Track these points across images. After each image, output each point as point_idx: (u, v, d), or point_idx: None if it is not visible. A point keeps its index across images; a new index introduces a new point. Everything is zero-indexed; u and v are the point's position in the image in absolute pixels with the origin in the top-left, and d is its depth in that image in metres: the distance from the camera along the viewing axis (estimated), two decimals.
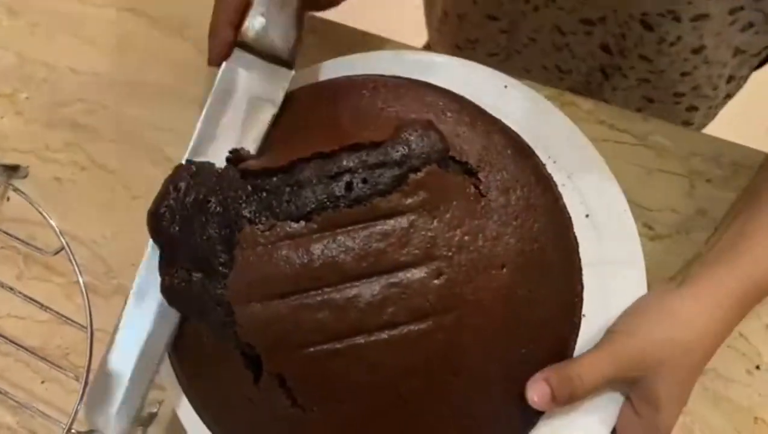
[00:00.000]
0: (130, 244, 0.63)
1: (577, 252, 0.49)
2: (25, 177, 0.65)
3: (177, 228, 0.46)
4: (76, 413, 0.49)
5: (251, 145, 0.49)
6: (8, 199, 0.65)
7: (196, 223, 0.45)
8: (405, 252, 0.43)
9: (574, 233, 0.49)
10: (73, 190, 0.65)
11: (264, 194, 0.45)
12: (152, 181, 0.63)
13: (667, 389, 0.44)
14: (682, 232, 0.57)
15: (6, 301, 0.62)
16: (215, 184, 0.46)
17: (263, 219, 0.44)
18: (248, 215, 0.44)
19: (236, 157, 0.48)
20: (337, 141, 0.45)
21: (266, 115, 0.49)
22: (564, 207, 0.49)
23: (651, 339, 0.45)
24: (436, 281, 0.44)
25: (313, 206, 0.44)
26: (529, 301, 0.46)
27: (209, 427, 0.50)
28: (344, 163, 0.44)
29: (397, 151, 0.45)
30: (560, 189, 0.50)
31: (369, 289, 0.43)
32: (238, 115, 0.49)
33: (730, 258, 0.47)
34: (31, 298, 0.56)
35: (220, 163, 0.48)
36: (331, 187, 0.44)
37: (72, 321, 0.54)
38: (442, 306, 0.43)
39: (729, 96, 0.75)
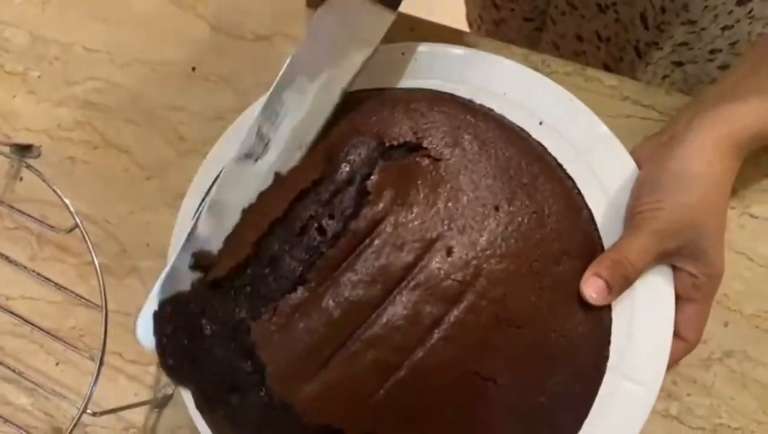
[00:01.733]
0: (144, 224, 0.62)
1: (548, 153, 0.48)
2: (37, 156, 0.64)
3: (190, 368, 0.44)
4: (91, 394, 0.49)
5: (342, 83, 0.47)
6: (21, 178, 0.64)
7: (202, 353, 0.44)
8: (405, 252, 0.43)
9: (534, 138, 0.48)
10: (86, 169, 0.64)
11: (248, 289, 0.44)
12: (166, 160, 0.63)
13: (708, 242, 0.45)
14: None
15: (19, 282, 0.61)
16: (195, 309, 0.44)
17: (262, 309, 0.43)
18: (246, 315, 0.43)
19: (200, 262, 0.46)
20: (281, 201, 0.44)
21: (360, 56, 0.47)
22: (511, 122, 0.49)
23: (679, 206, 0.45)
24: (449, 258, 0.43)
25: (300, 269, 0.43)
26: (536, 222, 0.45)
27: None
28: (303, 213, 0.44)
29: (341, 172, 0.44)
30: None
31: (397, 306, 0.42)
32: (332, 53, 0.47)
33: (728, 104, 0.46)
34: (45, 278, 0.55)
35: (310, 97, 0.46)
36: (305, 241, 0.43)
37: (86, 300, 0.53)
38: (469, 276, 0.43)
39: None
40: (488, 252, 0.44)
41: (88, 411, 0.48)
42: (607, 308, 0.46)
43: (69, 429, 0.48)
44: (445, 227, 0.44)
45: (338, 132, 0.47)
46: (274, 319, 0.43)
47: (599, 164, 0.48)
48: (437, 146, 0.47)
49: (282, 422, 0.42)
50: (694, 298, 0.46)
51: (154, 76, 0.65)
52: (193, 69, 0.64)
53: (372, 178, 0.44)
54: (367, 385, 0.42)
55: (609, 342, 0.46)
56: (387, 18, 0.47)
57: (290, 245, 0.43)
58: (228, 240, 0.46)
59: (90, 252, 0.51)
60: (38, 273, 0.56)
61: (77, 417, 0.48)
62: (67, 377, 0.60)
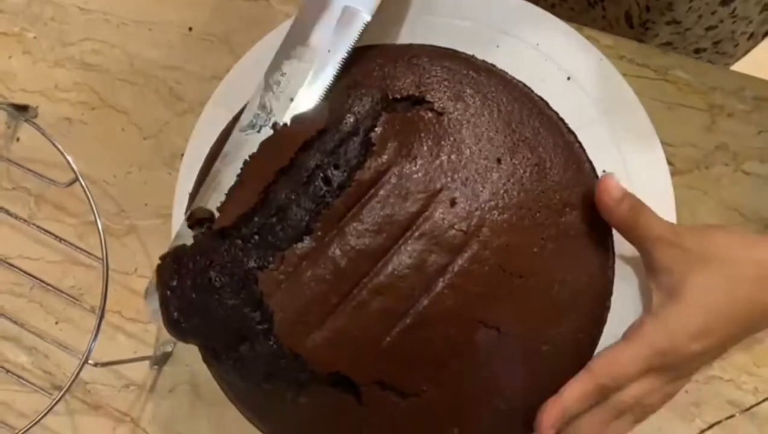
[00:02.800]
0: (142, 184, 0.62)
1: (549, 107, 0.48)
2: (34, 117, 0.64)
3: (198, 321, 0.44)
4: (92, 346, 0.49)
5: (342, 51, 0.47)
6: (18, 139, 0.64)
7: (211, 305, 0.43)
8: (410, 202, 0.43)
9: (535, 93, 0.49)
10: (84, 130, 0.64)
11: (256, 237, 0.44)
12: (163, 120, 0.63)
13: (696, 284, 0.42)
14: (702, 168, 0.56)
15: (18, 242, 0.62)
16: (203, 261, 0.44)
17: (270, 258, 0.43)
18: (254, 264, 0.43)
19: (194, 219, 0.46)
20: (286, 150, 0.44)
21: (358, 24, 0.47)
22: (514, 78, 0.49)
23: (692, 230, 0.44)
24: (453, 209, 0.44)
25: (307, 218, 0.43)
26: (538, 174, 0.46)
27: None
28: (309, 163, 0.44)
29: (346, 123, 0.44)
30: None
31: (403, 255, 0.43)
32: (330, 22, 0.47)
33: None
34: (45, 230, 0.55)
35: (311, 66, 0.47)
36: (311, 190, 0.43)
37: (87, 252, 0.54)
38: (473, 226, 0.43)
39: (746, 53, 0.74)
40: (491, 203, 0.44)
41: (90, 361, 0.49)
42: (610, 262, 0.47)
43: (70, 380, 0.48)
44: (449, 179, 0.44)
45: (341, 85, 0.47)
46: (281, 268, 0.43)
47: (619, 128, 0.48)
48: (440, 100, 0.47)
49: (290, 370, 0.43)
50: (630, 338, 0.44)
51: (151, 37, 0.65)
52: (190, 29, 0.64)
53: (376, 129, 0.44)
54: (374, 333, 0.42)
55: (611, 294, 0.46)
56: None
57: (296, 194, 0.43)
58: (232, 190, 0.46)
59: (90, 204, 0.51)
60: (38, 226, 0.56)
61: (79, 367, 0.48)
62: (66, 335, 0.60)
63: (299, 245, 0.43)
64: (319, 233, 0.43)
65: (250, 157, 0.46)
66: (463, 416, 0.44)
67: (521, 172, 0.46)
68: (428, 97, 0.47)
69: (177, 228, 0.53)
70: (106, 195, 0.62)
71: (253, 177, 0.45)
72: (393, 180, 0.44)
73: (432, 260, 0.43)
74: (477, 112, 0.47)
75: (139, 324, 0.60)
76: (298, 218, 0.43)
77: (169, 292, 0.44)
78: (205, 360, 0.47)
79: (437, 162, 0.45)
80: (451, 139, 0.45)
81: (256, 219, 0.44)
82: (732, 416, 0.53)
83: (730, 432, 0.53)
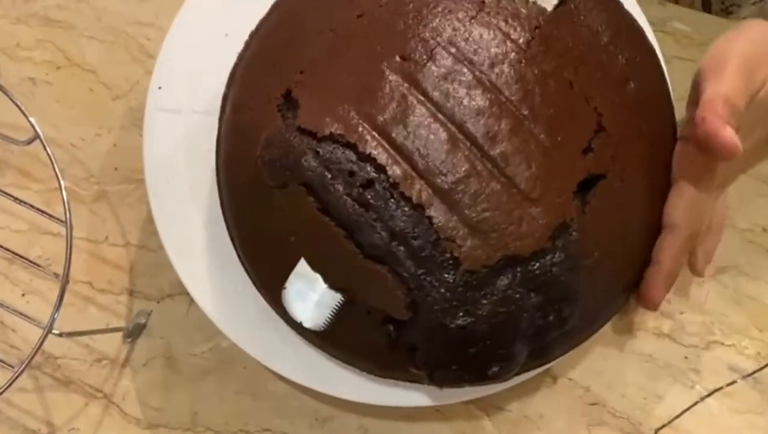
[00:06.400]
0: (112, 147, 0.59)
1: None
2: None
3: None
4: (56, 313, 0.46)
5: None
6: None
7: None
8: (440, 125, 0.41)
9: None
10: (49, 90, 0.61)
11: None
12: (133, 78, 0.60)
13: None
14: None
15: None
16: None
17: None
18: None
19: None
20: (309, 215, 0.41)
21: None
22: None
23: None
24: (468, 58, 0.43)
25: (385, 217, 0.40)
26: None
27: None
28: (331, 188, 0.41)
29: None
30: None
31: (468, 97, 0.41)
32: None
33: None
34: (5, 193, 0.52)
35: None
36: (354, 190, 0.40)
37: (50, 215, 0.50)
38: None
39: None
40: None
41: (54, 331, 0.45)
42: None
43: (33, 351, 0.45)
44: (437, 38, 0.42)
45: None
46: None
47: None
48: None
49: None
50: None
51: None
52: None
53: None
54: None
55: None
56: None
57: (349, 208, 0.39)
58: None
59: (52, 164, 0.48)
60: (2, 191, 0.53)
61: (42, 337, 0.45)
62: (33, 308, 0.57)
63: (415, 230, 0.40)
64: (407, 207, 0.40)
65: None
66: None
67: None
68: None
69: (152, 193, 0.51)
70: (74, 159, 0.59)
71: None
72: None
73: (504, 72, 0.42)
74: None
75: (110, 296, 0.57)
76: (373, 228, 0.40)
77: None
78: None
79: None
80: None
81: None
82: (733, 382, 0.51)
83: (732, 398, 0.51)
